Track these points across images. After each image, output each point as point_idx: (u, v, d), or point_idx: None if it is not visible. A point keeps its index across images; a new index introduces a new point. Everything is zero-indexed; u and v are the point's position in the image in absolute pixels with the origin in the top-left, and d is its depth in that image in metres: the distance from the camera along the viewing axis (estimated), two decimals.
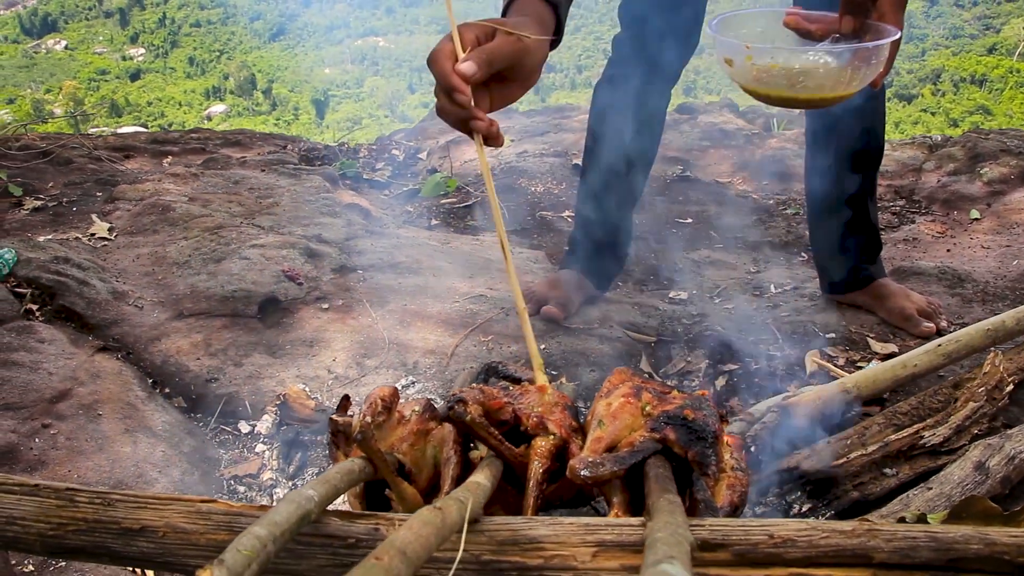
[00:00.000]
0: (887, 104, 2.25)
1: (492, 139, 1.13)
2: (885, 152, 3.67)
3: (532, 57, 1.15)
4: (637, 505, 1.01)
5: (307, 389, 2.00)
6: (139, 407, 1.91)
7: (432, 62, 1.10)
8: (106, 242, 2.74)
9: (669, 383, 2.03)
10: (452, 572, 0.71)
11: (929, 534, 0.75)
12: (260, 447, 1.88)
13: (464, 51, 1.10)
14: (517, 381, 1.43)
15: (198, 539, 0.87)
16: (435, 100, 1.15)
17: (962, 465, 1.41)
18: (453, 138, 4.37)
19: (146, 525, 0.88)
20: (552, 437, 1.14)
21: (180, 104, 67.68)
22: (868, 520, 0.80)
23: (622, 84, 2.18)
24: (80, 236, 2.76)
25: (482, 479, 0.94)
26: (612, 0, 2.23)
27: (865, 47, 1.19)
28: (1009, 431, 1.49)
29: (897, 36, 1.21)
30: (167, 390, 2.05)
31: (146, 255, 2.63)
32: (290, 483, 1.76)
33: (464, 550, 0.79)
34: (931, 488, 1.37)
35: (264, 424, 1.92)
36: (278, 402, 1.93)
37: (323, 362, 2.12)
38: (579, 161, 3.01)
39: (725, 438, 1.16)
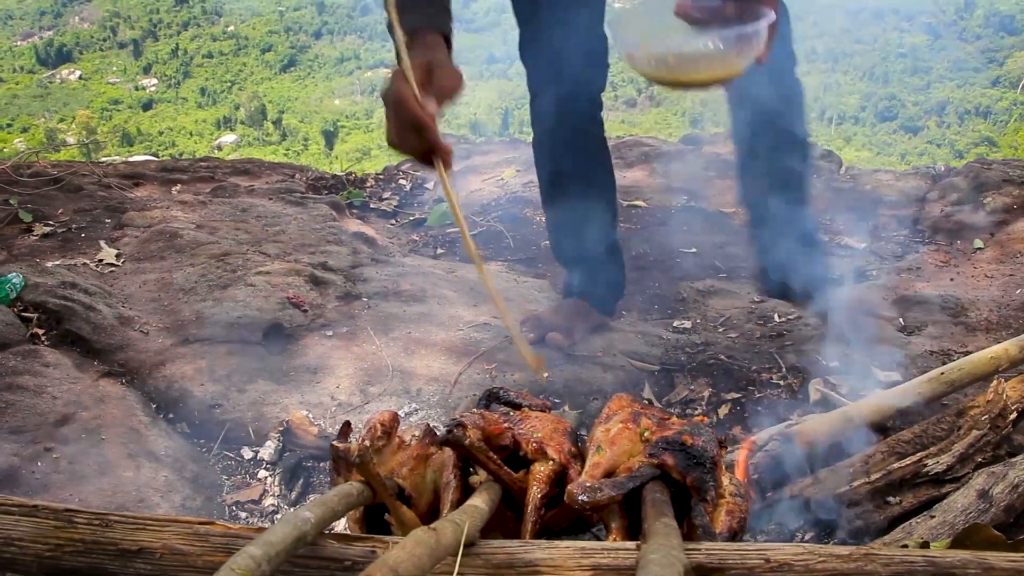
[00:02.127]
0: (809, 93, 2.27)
1: (449, 161, 1.28)
2: (888, 182, 3.69)
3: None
4: (636, 531, 1.01)
5: (310, 416, 2.01)
6: (142, 432, 1.92)
7: (398, 104, 1.22)
8: (113, 268, 2.77)
9: (673, 411, 2.03)
10: None
11: (927, 559, 0.74)
12: (263, 473, 1.88)
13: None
14: (518, 407, 1.43)
15: (195, 560, 0.87)
16: (389, 135, 1.27)
17: (966, 493, 1.40)
18: (459, 169, 4.40)
19: (144, 546, 0.88)
20: (551, 462, 1.14)
21: (191, 134, 68.35)
22: (867, 546, 0.80)
23: (545, 102, 2.08)
24: (88, 262, 2.78)
25: (479, 503, 0.94)
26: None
27: (743, 30, 1.34)
28: (1013, 459, 1.48)
29: (772, 18, 1.36)
30: (171, 415, 2.05)
31: (153, 281, 2.64)
32: (292, 510, 1.76)
33: (461, 573, 0.79)
34: (934, 516, 1.36)
35: (267, 450, 1.92)
36: (281, 428, 1.94)
37: (327, 389, 2.13)
38: None
39: (731, 463, 1.16)
